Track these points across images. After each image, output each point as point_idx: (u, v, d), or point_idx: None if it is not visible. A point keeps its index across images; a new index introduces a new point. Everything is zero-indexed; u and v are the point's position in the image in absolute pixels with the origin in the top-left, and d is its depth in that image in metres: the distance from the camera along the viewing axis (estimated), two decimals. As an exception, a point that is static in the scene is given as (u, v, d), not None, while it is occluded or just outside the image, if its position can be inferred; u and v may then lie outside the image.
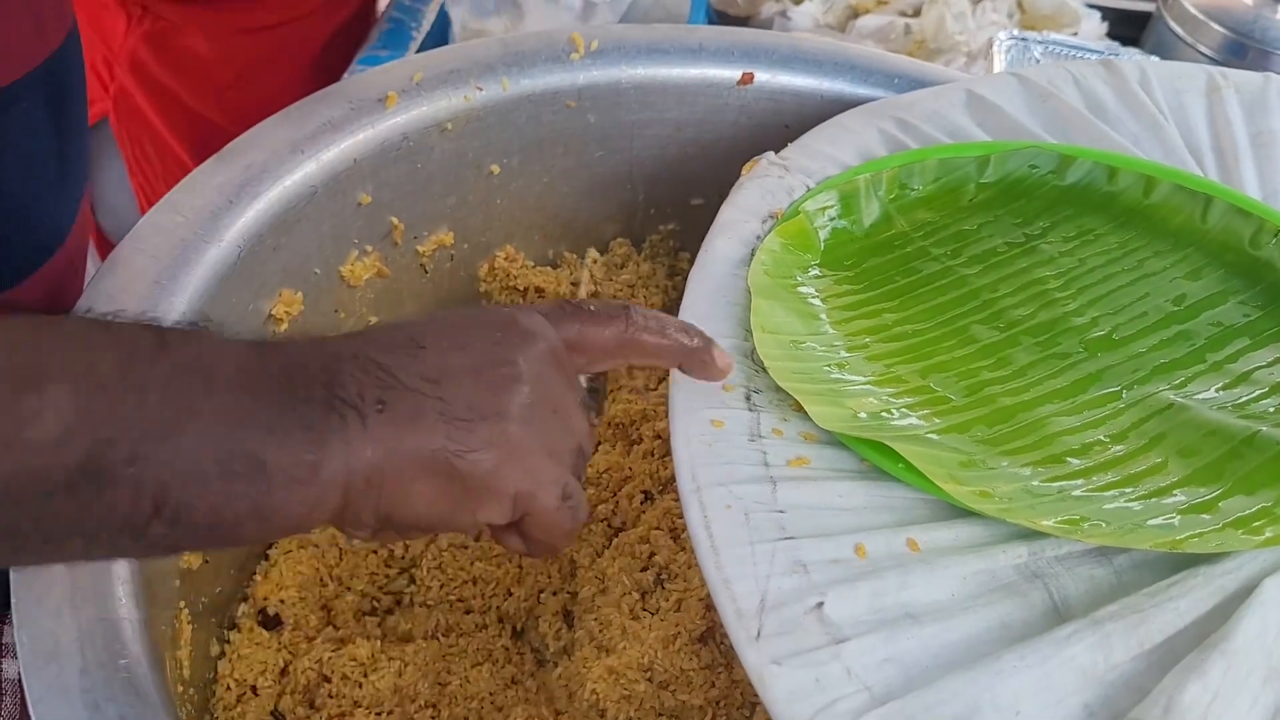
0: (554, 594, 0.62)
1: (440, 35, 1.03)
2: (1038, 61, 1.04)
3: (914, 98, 0.65)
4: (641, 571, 0.58)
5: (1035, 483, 0.43)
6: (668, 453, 0.63)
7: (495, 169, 0.69)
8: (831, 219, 0.55)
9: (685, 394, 0.46)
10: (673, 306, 0.74)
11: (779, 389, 0.46)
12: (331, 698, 0.58)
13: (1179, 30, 1.13)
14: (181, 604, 0.52)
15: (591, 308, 0.40)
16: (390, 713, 0.57)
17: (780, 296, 0.50)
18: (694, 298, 0.51)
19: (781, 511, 0.42)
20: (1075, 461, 0.44)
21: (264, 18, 0.92)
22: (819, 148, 0.60)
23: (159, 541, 0.30)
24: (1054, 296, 0.53)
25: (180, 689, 0.51)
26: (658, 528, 0.60)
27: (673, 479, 0.60)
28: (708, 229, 0.74)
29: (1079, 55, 1.06)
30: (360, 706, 0.57)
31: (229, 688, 0.58)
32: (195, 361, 0.30)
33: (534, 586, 0.63)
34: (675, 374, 0.46)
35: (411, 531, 0.37)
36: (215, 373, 0.30)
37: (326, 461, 0.31)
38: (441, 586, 0.62)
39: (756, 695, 0.52)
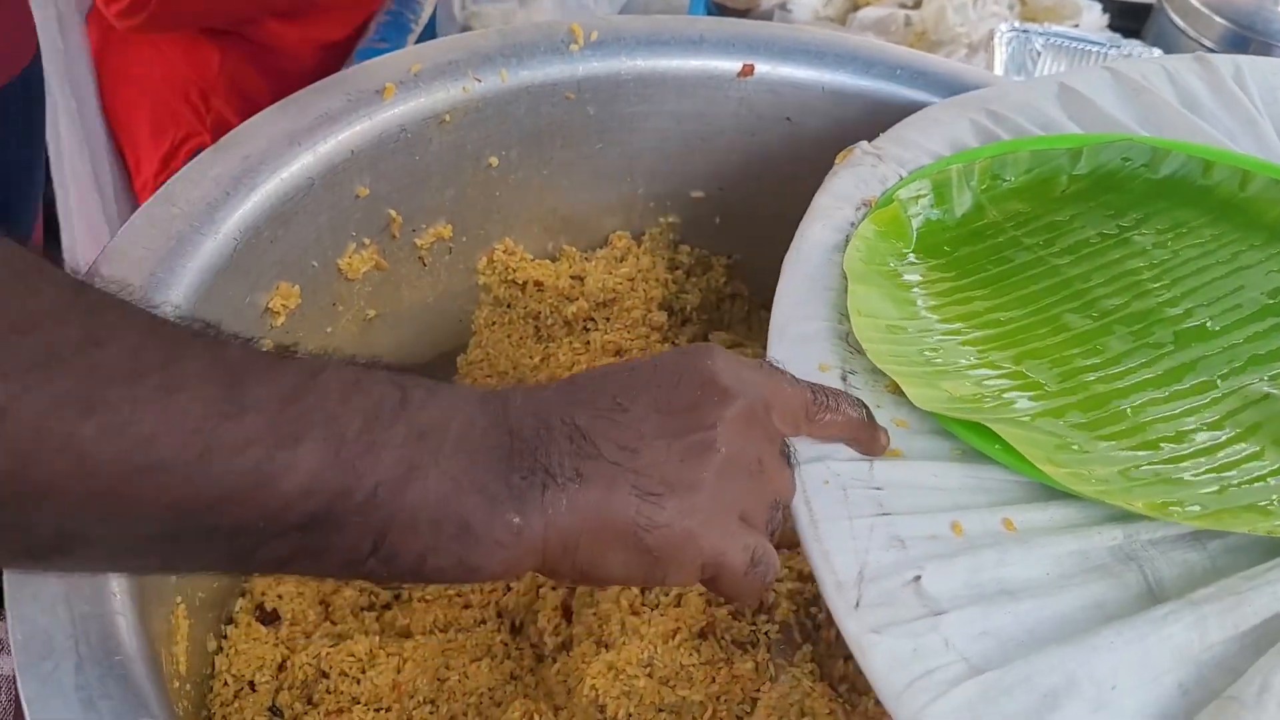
0: (553, 589, 0.61)
1: (430, 27, 1.04)
2: (1039, 54, 1.04)
3: (1005, 89, 0.66)
4: None
5: (1132, 467, 0.43)
6: None
7: (494, 161, 0.68)
8: (925, 208, 0.56)
9: (783, 373, 0.47)
10: (673, 300, 0.75)
11: (874, 372, 0.47)
12: (330, 693, 0.58)
13: (1180, 22, 1.12)
14: (178, 599, 0.52)
15: (787, 382, 0.40)
16: (388, 709, 0.57)
17: (876, 282, 0.51)
18: (790, 282, 0.52)
19: (879, 489, 0.43)
20: (1170, 447, 0.45)
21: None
22: (911, 137, 0.61)
23: (373, 574, 0.33)
24: (1147, 287, 0.53)
25: (176, 684, 0.50)
26: None
27: None
28: (708, 222, 0.74)
29: (1080, 47, 1.05)
30: (358, 703, 0.57)
31: (226, 683, 0.58)
32: (429, 424, 0.33)
33: (532, 581, 0.62)
34: (773, 355, 0.48)
35: (610, 584, 0.38)
36: (445, 435, 0.33)
37: (527, 529, 0.34)
38: None
39: (757, 691, 0.53)
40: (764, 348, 0.73)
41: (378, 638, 0.60)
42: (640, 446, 0.36)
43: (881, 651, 0.38)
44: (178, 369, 0.29)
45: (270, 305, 0.59)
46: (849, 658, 0.53)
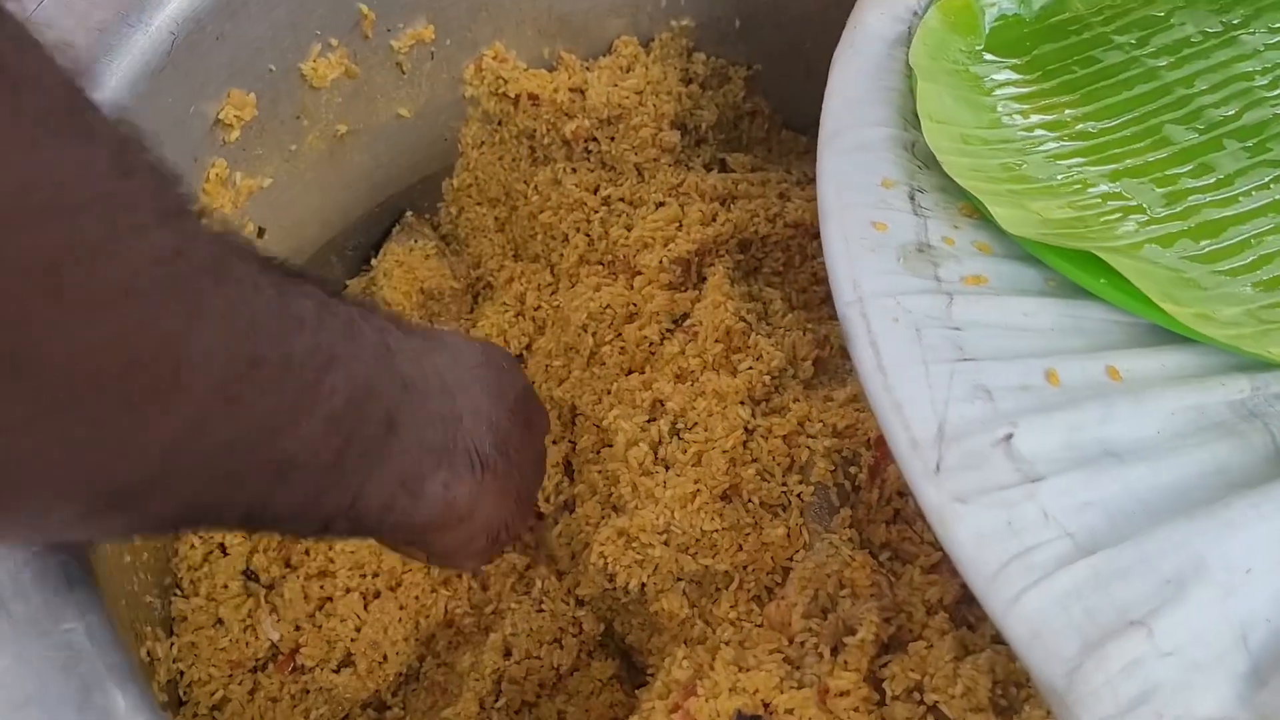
0: (554, 443, 0.55)
1: None
2: None
3: None
4: (650, 421, 0.51)
5: (1260, 306, 0.36)
6: (678, 285, 0.55)
7: (482, -55, 0.58)
8: (1001, -4, 0.47)
9: (839, 189, 0.39)
10: (686, 117, 0.65)
11: (946, 190, 0.39)
12: (309, 555, 0.53)
13: None
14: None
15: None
16: (376, 574, 0.53)
17: (947, 82, 0.42)
18: (842, 80, 0.43)
19: (958, 329, 0.35)
20: (1300, 284, 0.37)
21: None
22: (981, -88, 0.51)
23: (333, 532, 0.33)
24: (1261, 95, 0.45)
25: (129, 558, 0.46)
26: (663, 374, 0.52)
27: (684, 307, 0.54)
28: (727, 25, 0.64)
29: None
30: (341, 567, 0.52)
31: (193, 545, 0.52)
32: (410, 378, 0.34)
33: None
34: (826, 168, 0.39)
35: (435, 556, 0.40)
36: (428, 388, 0.35)
37: (456, 494, 0.36)
38: None
39: (789, 560, 0.47)
40: (788, 171, 0.65)
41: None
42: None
43: (969, 525, 0.31)
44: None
45: (221, 116, 0.50)
46: (891, 522, 0.47)
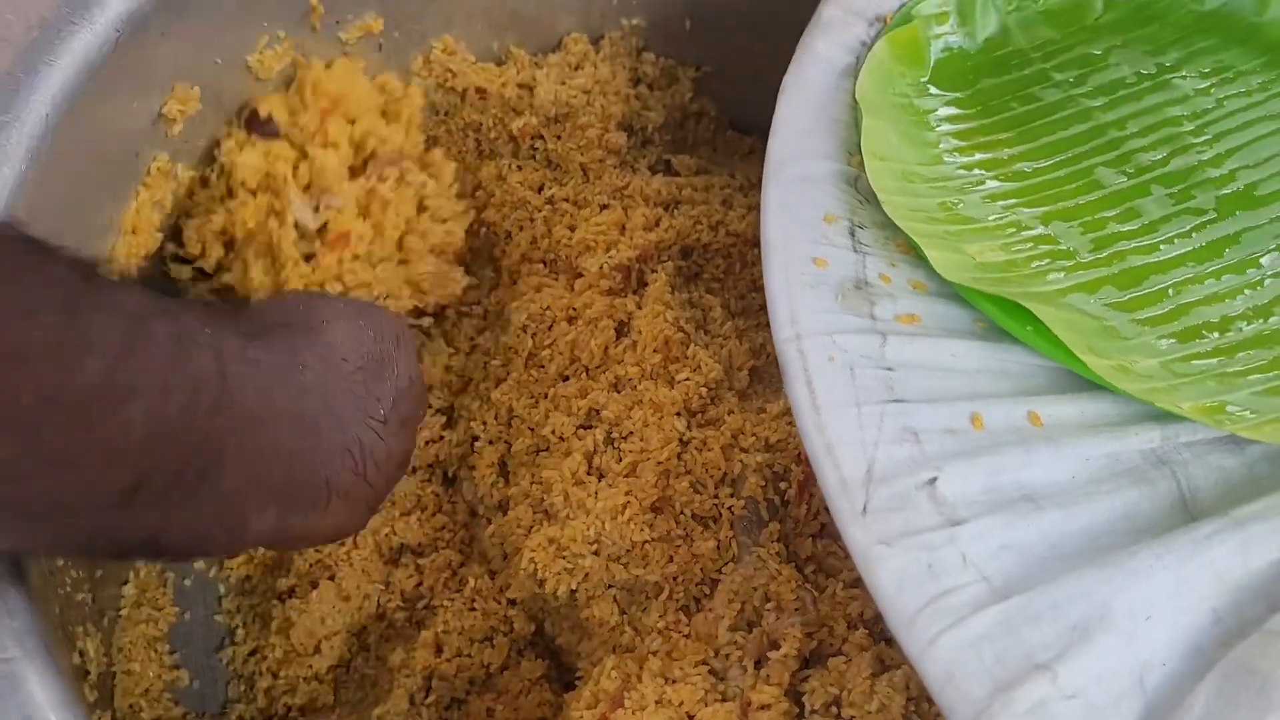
0: (490, 443, 0.55)
1: None
2: None
3: (1038, -110, 0.56)
4: (585, 429, 0.51)
5: (1175, 358, 0.38)
6: (618, 290, 0.55)
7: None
8: (948, 29, 0.48)
9: (782, 224, 0.40)
10: (634, 118, 0.66)
11: (884, 225, 0.40)
12: None
13: None
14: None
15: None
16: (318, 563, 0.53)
17: (892, 117, 0.43)
18: (790, 108, 0.44)
19: (890, 370, 0.37)
20: (1214, 336, 0.39)
21: None
22: (932, -59, 0.52)
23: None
24: (1188, 141, 0.47)
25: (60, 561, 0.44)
26: (598, 379, 0.53)
27: (623, 315, 0.54)
28: (677, 25, 0.64)
29: None
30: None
31: None
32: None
33: (466, 432, 0.56)
34: (770, 200, 0.40)
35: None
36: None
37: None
38: None
39: (718, 572, 0.48)
40: (732, 175, 0.66)
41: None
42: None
43: (891, 567, 0.32)
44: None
45: (164, 111, 0.49)
46: (817, 535, 0.48)
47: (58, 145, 0.41)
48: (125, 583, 0.51)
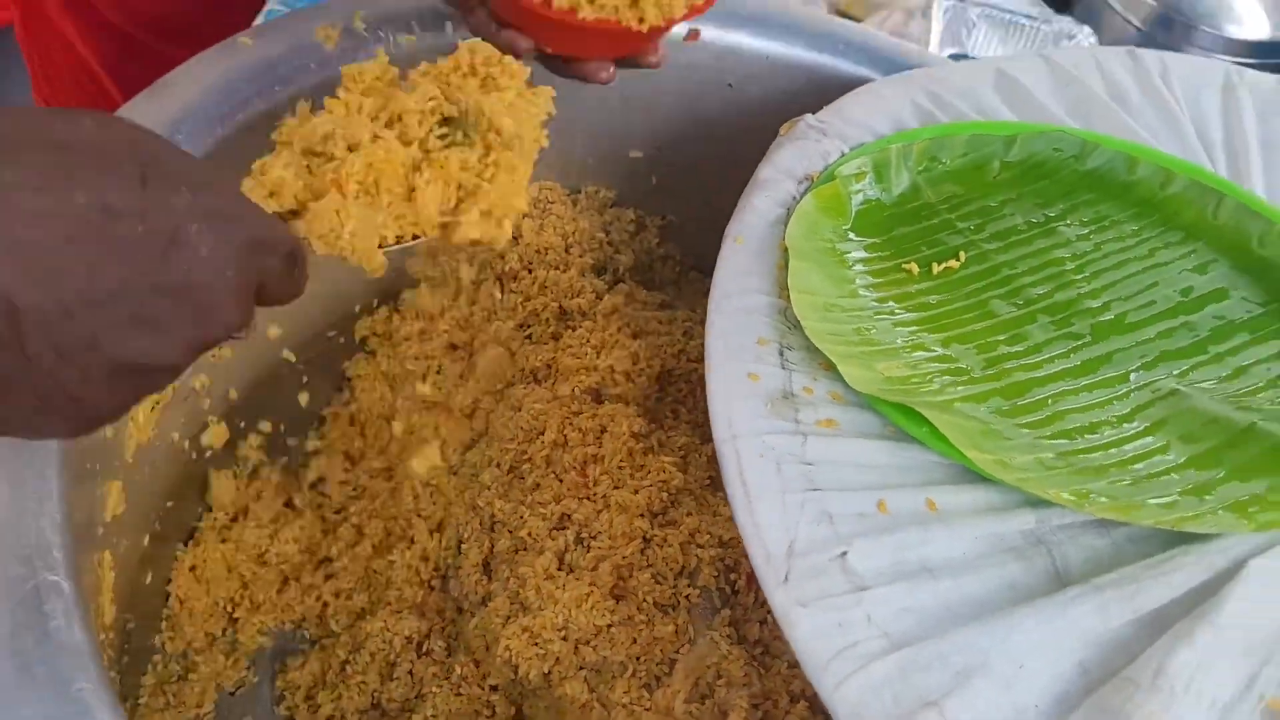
0: (475, 546, 0.61)
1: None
2: (974, 24, 1.07)
3: (946, 72, 0.67)
4: (558, 530, 0.58)
5: (1048, 455, 0.45)
6: (589, 409, 0.62)
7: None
8: (865, 186, 0.57)
9: (723, 346, 0.48)
10: (606, 261, 0.75)
11: (810, 348, 0.48)
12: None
13: (1110, 0, 1.17)
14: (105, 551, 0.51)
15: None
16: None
17: (815, 259, 0.52)
18: (732, 252, 0.52)
19: (810, 464, 0.44)
20: (1084, 438, 0.47)
21: None
22: (854, 113, 0.61)
23: None
24: (1070, 278, 0.55)
25: (101, 635, 0.50)
26: (573, 487, 0.59)
27: (595, 430, 0.61)
28: (645, 181, 0.73)
29: (1013, 20, 1.08)
30: None
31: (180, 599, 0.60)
32: None
33: (455, 535, 0.63)
34: (714, 327, 0.48)
35: None
36: None
37: None
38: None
39: (676, 652, 0.55)
40: (693, 310, 0.74)
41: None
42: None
43: (807, 624, 0.39)
44: None
45: None
46: (764, 621, 0.55)
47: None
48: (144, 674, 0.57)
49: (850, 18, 1.16)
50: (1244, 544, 0.43)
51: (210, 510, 0.66)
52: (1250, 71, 0.71)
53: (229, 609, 0.64)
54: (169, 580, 0.63)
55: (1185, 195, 0.59)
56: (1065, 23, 1.09)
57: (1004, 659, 0.39)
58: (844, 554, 0.41)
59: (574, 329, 0.67)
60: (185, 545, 0.65)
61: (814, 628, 0.39)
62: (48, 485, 0.40)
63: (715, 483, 0.61)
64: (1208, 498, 0.44)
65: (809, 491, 0.43)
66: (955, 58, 1.05)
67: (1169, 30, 1.16)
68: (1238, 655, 0.40)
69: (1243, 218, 0.58)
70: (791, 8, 0.73)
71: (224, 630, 0.64)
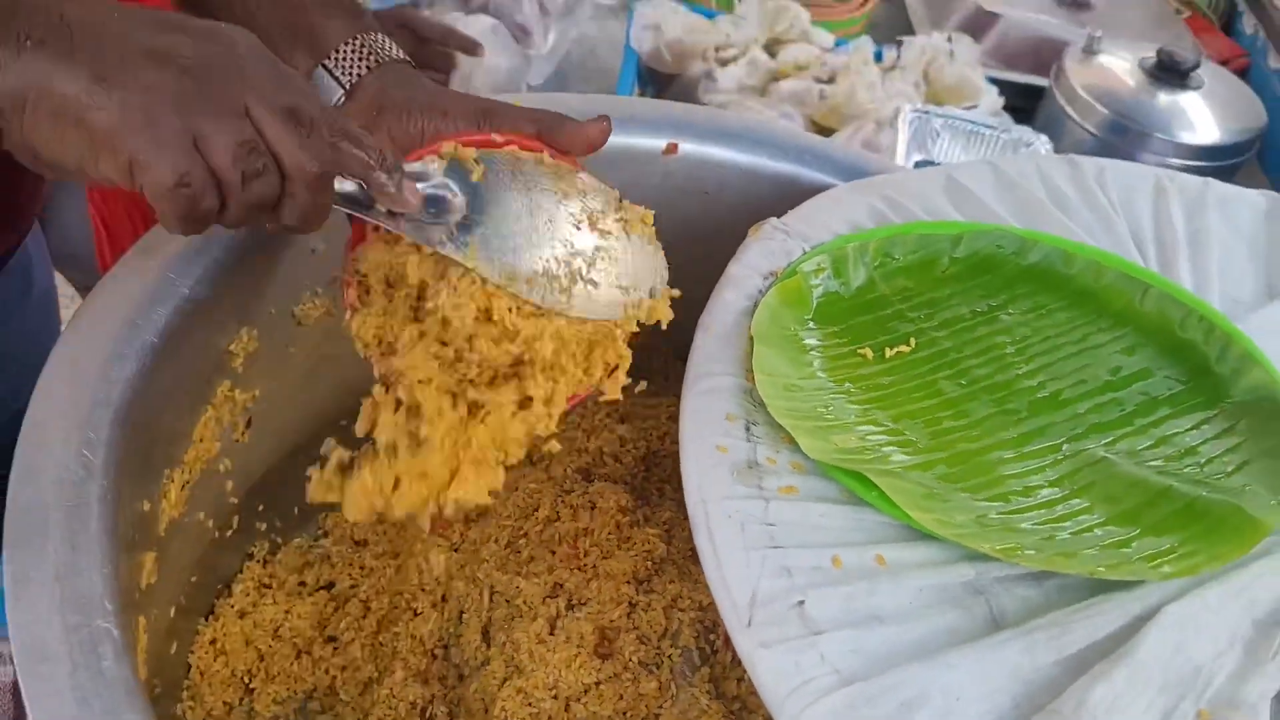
0: (477, 615, 0.66)
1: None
2: (938, 133, 1.16)
3: (900, 178, 0.74)
4: (550, 598, 0.63)
5: (985, 515, 0.51)
6: (580, 488, 0.69)
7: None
8: (824, 280, 0.64)
9: (695, 422, 0.54)
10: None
11: (773, 423, 0.54)
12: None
13: (1068, 109, 1.27)
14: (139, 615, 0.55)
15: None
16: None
17: (778, 344, 0.58)
18: (704, 339, 0.59)
19: (772, 525, 0.50)
20: (1018, 500, 0.52)
21: None
22: (815, 216, 0.68)
23: None
24: (1009, 360, 0.62)
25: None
26: (565, 558, 0.65)
27: (585, 506, 0.67)
28: None
29: (974, 129, 1.17)
30: None
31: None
32: None
33: (456, 607, 0.68)
34: (686, 405, 0.54)
35: (59, 172, 0.39)
36: None
37: None
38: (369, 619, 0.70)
39: (659, 708, 0.59)
40: (678, 396, 0.80)
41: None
42: (104, 34, 0.37)
43: (767, 664, 0.44)
44: None
45: (231, 348, 0.63)
46: (741, 679, 0.60)
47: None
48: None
49: (827, 129, 1.25)
50: (1159, 591, 0.48)
51: (229, 591, 0.71)
52: (1180, 174, 0.78)
53: (245, 679, 0.69)
54: (191, 651, 0.67)
55: (1115, 286, 0.66)
56: (1024, 131, 1.18)
57: (942, 693, 0.44)
58: (801, 603, 0.46)
59: (565, 415, 0.73)
60: (205, 620, 0.70)
61: (774, 666, 0.44)
62: (99, 548, 0.45)
63: (697, 553, 0.66)
64: (1125, 550, 0.49)
65: (770, 549, 0.48)
66: (921, 164, 1.13)
67: (1123, 136, 1.24)
68: (1154, 691, 0.45)
69: (1166, 305, 0.64)
70: (767, 123, 0.81)
71: (240, 700, 0.68)
